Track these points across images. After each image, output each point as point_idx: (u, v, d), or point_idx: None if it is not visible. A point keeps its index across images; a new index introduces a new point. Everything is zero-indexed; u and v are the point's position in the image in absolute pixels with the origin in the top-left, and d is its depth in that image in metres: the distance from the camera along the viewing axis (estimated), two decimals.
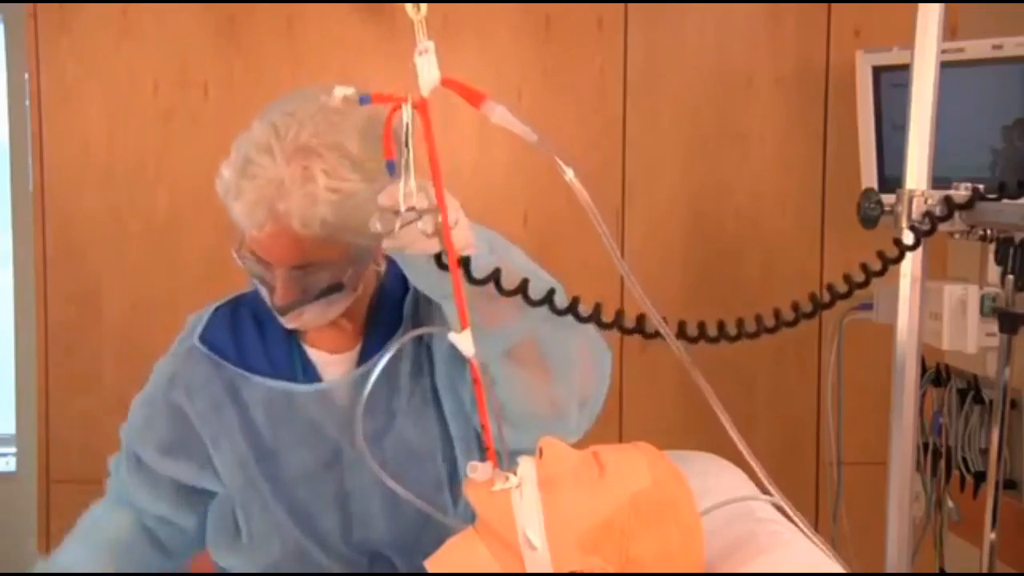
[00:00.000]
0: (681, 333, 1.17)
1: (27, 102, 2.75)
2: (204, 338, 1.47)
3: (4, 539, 3.22)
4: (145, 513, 1.52)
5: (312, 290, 1.31)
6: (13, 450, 3.30)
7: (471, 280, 1.11)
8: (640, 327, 1.18)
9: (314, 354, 1.45)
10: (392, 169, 1.06)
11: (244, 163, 1.30)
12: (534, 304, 1.15)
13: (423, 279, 1.15)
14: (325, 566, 1.42)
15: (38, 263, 2.73)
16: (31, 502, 2.81)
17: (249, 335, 1.46)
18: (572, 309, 1.17)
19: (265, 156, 1.28)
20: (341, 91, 1.06)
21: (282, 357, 1.44)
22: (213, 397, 1.44)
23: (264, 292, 1.36)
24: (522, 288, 1.14)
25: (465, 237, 1.11)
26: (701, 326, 1.18)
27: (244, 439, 1.42)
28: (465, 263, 1.10)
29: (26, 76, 2.74)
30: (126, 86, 2.72)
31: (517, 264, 1.21)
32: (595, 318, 1.18)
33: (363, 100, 1.06)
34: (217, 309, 1.51)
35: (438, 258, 1.09)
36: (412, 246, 1.07)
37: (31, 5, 2.68)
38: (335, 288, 1.32)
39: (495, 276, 1.12)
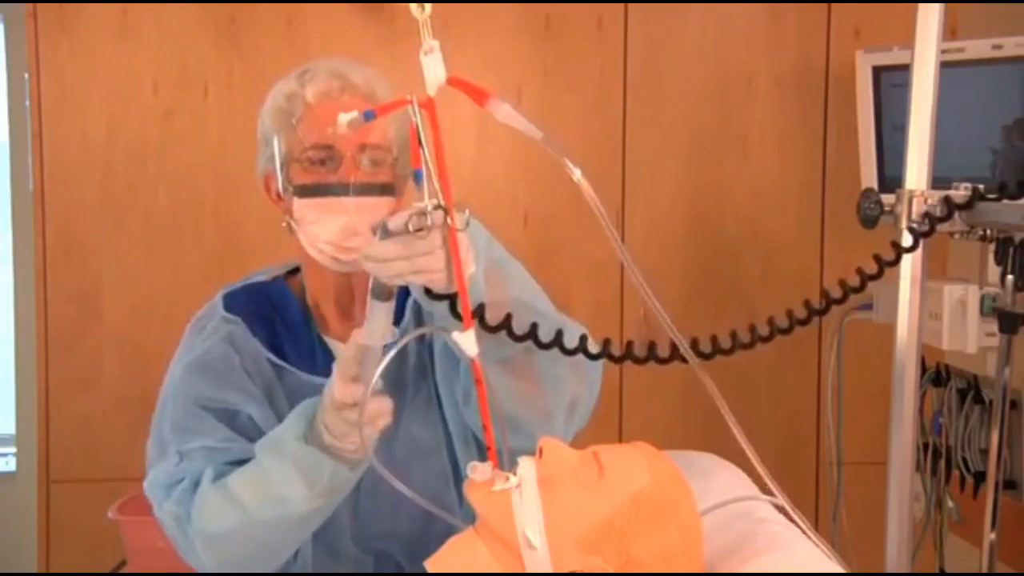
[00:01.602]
0: (674, 353, 1.17)
1: (27, 102, 2.75)
2: (235, 318, 1.45)
3: (4, 539, 3.22)
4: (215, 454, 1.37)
5: (373, 173, 1.34)
6: (13, 450, 3.30)
7: (455, 315, 1.13)
8: (628, 353, 1.17)
9: (333, 345, 1.45)
10: (419, 178, 1.07)
11: (300, 72, 1.40)
12: (518, 340, 1.16)
13: (425, 300, 1.17)
14: (330, 565, 1.42)
15: (38, 263, 2.73)
16: (31, 502, 2.81)
17: (274, 322, 1.45)
18: (557, 342, 1.17)
19: (319, 62, 1.41)
20: (345, 117, 1.08)
21: (307, 347, 1.44)
22: (264, 376, 1.42)
23: (312, 216, 1.34)
24: (506, 324, 1.15)
25: (432, 280, 1.12)
26: (694, 343, 1.17)
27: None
28: (452, 296, 1.12)
29: (26, 76, 2.74)
30: (126, 86, 2.72)
31: (516, 281, 1.24)
32: (582, 349, 1.18)
33: (368, 116, 1.08)
34: (227, 295, 1.48)
35: (427, 289, 1.13)
36: (407, 276, 1.10)
37: (31, 5, 2.68)
38: (388, 188, 1.34)
39: (479, 314, 1.14)
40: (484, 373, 1.25)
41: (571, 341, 1.19)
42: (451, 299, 1.13)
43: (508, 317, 1.16)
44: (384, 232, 1.10)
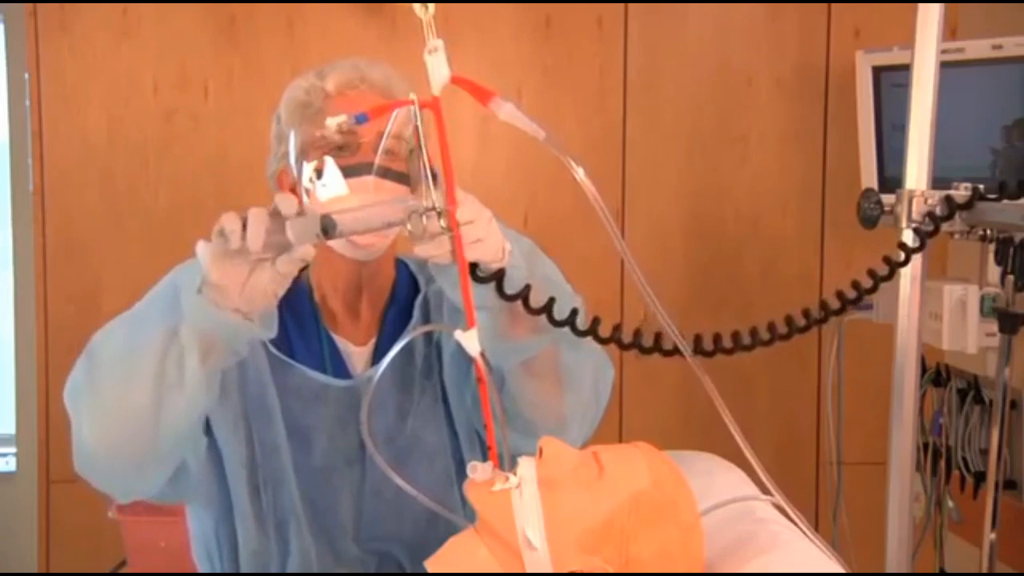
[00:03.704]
0: (676, 348, 1.18)
1: (27, 102, 2.75)
2: None
3: (4, 539, 3.22)
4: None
5: (389, 160, 1.31)
6: (13, 450, 3.30)
7: (502, 295, 1.14)
8: (636, 341, 1.18)
9: (341, 343, 1.45)
10: (436, 177, 1.10)
11: (317, 70, 1.40)
12: (558, 325, 1.17)
13: (452, 290, 1.17)
14: (332, 566, 1.42)
15: (38, 263, 2.73)
16: (31, 502, 2.81)
17: (283, 319, 1.41)
18: (593, 331, 1.19)
19: (335, 62, 1.40)
20: (333, 121, 1.08)
21: (316, 345, 1.44)
22: (259, 371, 1.40)
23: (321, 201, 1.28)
24: (548, 307, 1.16)
25: (495, 248, 1.15)
26: (697, 339, 1.18)
27: (284, 424, 1.40)
28: (499, 276, 1.14)
29: (26, 76, 2.74)
30: (126, 86, 2.72)
31: (548, 278, 1.25)
32: (614, 339, 1.20)
33: (360, 119, 1.08)
34: None
35: (473, 268, 1.13)
36: (442, 256, 1.12)
37: (31, 5, 2.68)
38: (404, 177, 1.31)
39: (525, 294, 1.15)
40: (508, 380, 1.29)
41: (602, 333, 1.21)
42: (499, 279, 1.14)
43: (551, 301, 1.17)
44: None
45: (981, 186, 1.47)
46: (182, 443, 1.28)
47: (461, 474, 1.43)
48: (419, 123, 1.10)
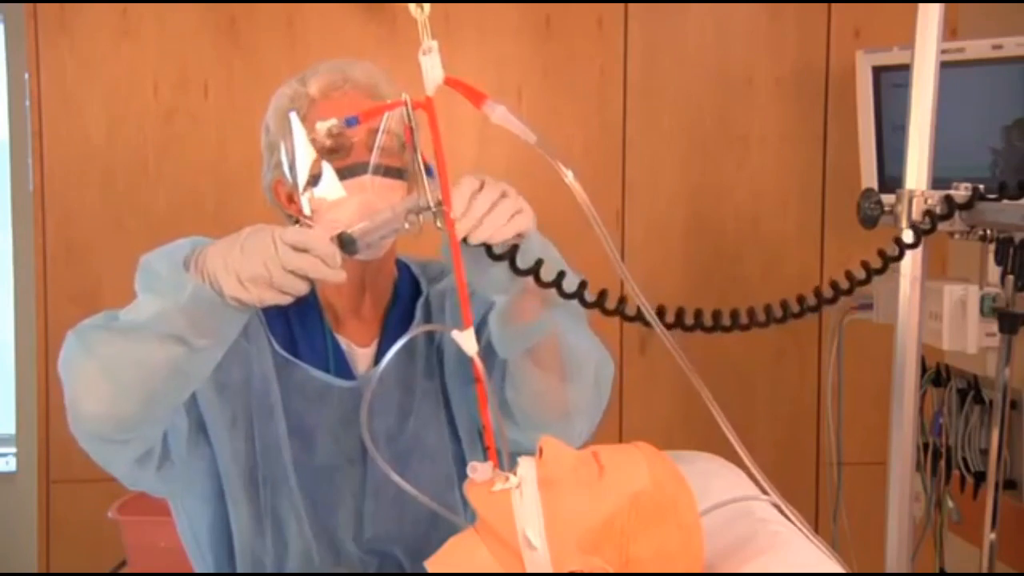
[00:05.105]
0: (678, 321, 1.20)
1: (27, 102, 2.75)
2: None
3: (4, 539, 3.22)
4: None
5: (383, 157, 1.30)
6: (13, 450, 3.30)
7: (515, 270, 1.18)
8: (639, 314, 1.21)
9: (345, 344, 1.45)
10: (431, 172, 1.13)
11: (300, 76, 1.41)
12: (568, 297, 1.20)
13: (477, 276, 1.21)
14: (332, 566, 1.42)
15: (38, 263, 2.73)
16: (31, 502, 2.81)
17: (288, 318, 1.44)
18: (599, 303, 1.22)
19: (317, 64, 1.40)
20: (323, 125, 1.10)
21: (320, 345, 1.44)
22: (263, 369, 1.41)
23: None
24: (558, 281, 1.19)
25: (532, 215, 1.24)
26: (697, 314, 1.21)
27: (286, 422, 1.40)
28: (512, 253, 1.18)
29: (26, 76, 2.74)
30: (126, 86, 2.72)
31: (558, 260, 1.28)
32: (619, 311, 1.23)
33: (350, 123, 1.09)
34: None
35: (489, 249, 1.18)
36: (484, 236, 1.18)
37: (31, 5, 2.68)
38: (401, 172, 1.31)
39: (536, 269, 1.18)
40: (512, 369, 1.32)
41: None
42: (511, 258, 1.17)
43: (561, 274, 1.19)
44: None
45: (981, 186, 1.47)
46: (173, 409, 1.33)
47: (462, 475, 1.43)
48: (413, 124, 1.11)
